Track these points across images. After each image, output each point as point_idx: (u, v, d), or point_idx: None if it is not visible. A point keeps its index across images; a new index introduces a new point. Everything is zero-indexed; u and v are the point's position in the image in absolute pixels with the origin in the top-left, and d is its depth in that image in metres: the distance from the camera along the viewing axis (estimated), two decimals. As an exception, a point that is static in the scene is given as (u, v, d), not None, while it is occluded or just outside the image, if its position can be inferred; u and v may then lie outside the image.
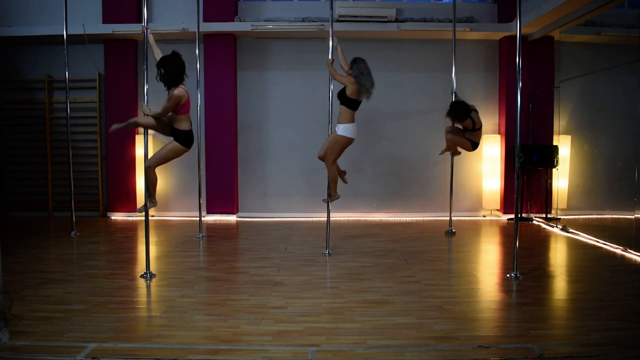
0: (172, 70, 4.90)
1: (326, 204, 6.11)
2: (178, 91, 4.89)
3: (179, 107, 5.00)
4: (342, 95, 5.82)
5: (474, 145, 6.79)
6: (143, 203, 5.36)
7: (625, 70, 6.54)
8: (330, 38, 6.00)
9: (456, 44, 7.27)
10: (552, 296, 4.64)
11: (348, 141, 5.90)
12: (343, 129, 5.84)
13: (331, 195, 6.09)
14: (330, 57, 5.94)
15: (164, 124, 5.22)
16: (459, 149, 7.10)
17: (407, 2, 8.97)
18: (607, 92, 7.29)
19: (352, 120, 5.85)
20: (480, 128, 6.68)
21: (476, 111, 6.67)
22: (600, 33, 7.33)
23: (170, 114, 5.09)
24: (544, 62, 8.51)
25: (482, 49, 8.99)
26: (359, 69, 5.73)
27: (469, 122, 6.58)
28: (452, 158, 7.32)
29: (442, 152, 7.28)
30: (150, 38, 5.19)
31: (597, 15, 7.00)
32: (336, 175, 6.12)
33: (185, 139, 5.15)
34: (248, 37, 8.86)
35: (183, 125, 5.12)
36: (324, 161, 6.10)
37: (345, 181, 6.41)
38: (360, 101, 5.87)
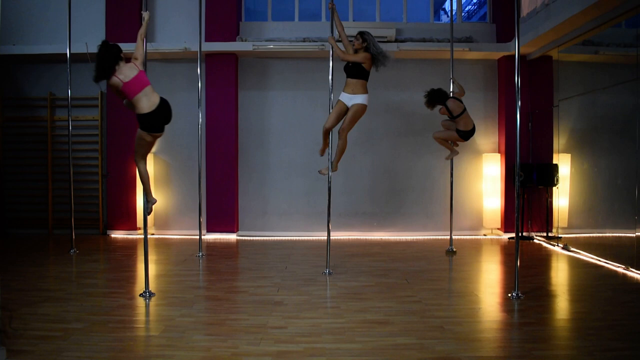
0: (97, 62, 4.75)
1: (327, 221, 6.11)
2: (111, 79, 4.74)
3: (122, 93, 4.83)
4: (361, 70, 5.85)
5: (461, 134, 6.86)
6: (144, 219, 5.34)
7: (624, 88, 6.58)
8: (331, 58, 6.11)
9: (455, 64, 7.35)
10: (553, 316, 4.61)
11: (365, 110, 6.01)
12: (364, 99, 5.90)
13: (333, 165, 6.15)
14: (331, 34, 6.08)
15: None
16: (457, 144, 7.20)
17: (406, 22, 9.07)
18: (606, 111, 7.32)
19: (367, 90, 5.98)
20: (460, 115, 6.75)
21: (456, 99, 6.83)
22: (598, 52, 7.39)
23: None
24: (543, 81, 8.57)
25: (481, 69, 9.06)
26: (373, 44, 5.83)
27: (443, 110, 6.80)
28: (452, 177, 7.33)
29: (448, 157, 7.29)
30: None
31: (595, 34, 7.07)
32: (345, 145, 6.19)
33: (141, 122, 4.92)
34: (249, 57, 8.94)
35: (137, 109, 4.88)
36: (331, 132, 6.09)
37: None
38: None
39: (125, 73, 4.75)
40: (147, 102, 4.81)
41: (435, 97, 6.79)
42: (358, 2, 9.29)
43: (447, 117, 6.98)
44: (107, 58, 4.71)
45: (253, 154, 9.05)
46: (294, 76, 9.03)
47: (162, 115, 4.92)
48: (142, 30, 5.09)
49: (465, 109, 6.77)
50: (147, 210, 5.27)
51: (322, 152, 6.32)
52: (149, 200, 5.27)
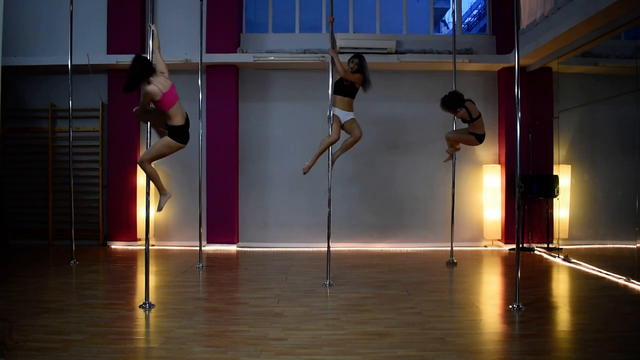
0: (132, 74, 4.80)
1: (327, 233, 6.12)
2: (149, 88, 4.80)
3: (158, 103, 4.88)
4: (354, 90, 6.30)
5: (478, 137, 6.89)
6: (149, 223, 5.33)
7: (624, 100, 6.60)
8: (331, 70, 6.17)
9: (455, 75, 7.38)
10: (554, 327, 4.59)
11: None
12: (354, 115, 6.39)
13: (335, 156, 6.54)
14: (332, 48, 6.26)
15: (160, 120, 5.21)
16: (459, 145, 7.24)
17: (406, 34, 9.13)
18: (606, 122, 7.34)
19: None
20: (477, 118, 6.78)
21: (472, 102, 6.83)
22: (598, 64, 7.43)
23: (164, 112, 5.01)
24: (543, 93, 8.59)
25: (481, 80, 9.09)
26: (367, 68, 6.27)
27: (463, 112, 6.76)
28: (453, 188, 7.35)
29: (446, 160, 7.38)
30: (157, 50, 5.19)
31: (595, 46, 7.10)
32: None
33: (175, 134, 5.04)
34: (250, 68, 8.99)
35: (173, 121, 5.00)
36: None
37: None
38: None
39: (163, 84, 4.89)
40: (180, 114, 5.05)
41: (456, 100, 6.80)
42: (358, 14, 9.36)
43: (461, 123, 7.07)
44: (142, 72, 4.80)
45: (253, 165, 9.06)
46: (294, 87, 9.07)
47: (188, 125, 5.16)
48: (156, 44, 5.18)
49: (480, 113, 6.85)
50: (160, 206, 5.40)
51: (308, 170, 6.49)
52: (164, 194, 5.36)
